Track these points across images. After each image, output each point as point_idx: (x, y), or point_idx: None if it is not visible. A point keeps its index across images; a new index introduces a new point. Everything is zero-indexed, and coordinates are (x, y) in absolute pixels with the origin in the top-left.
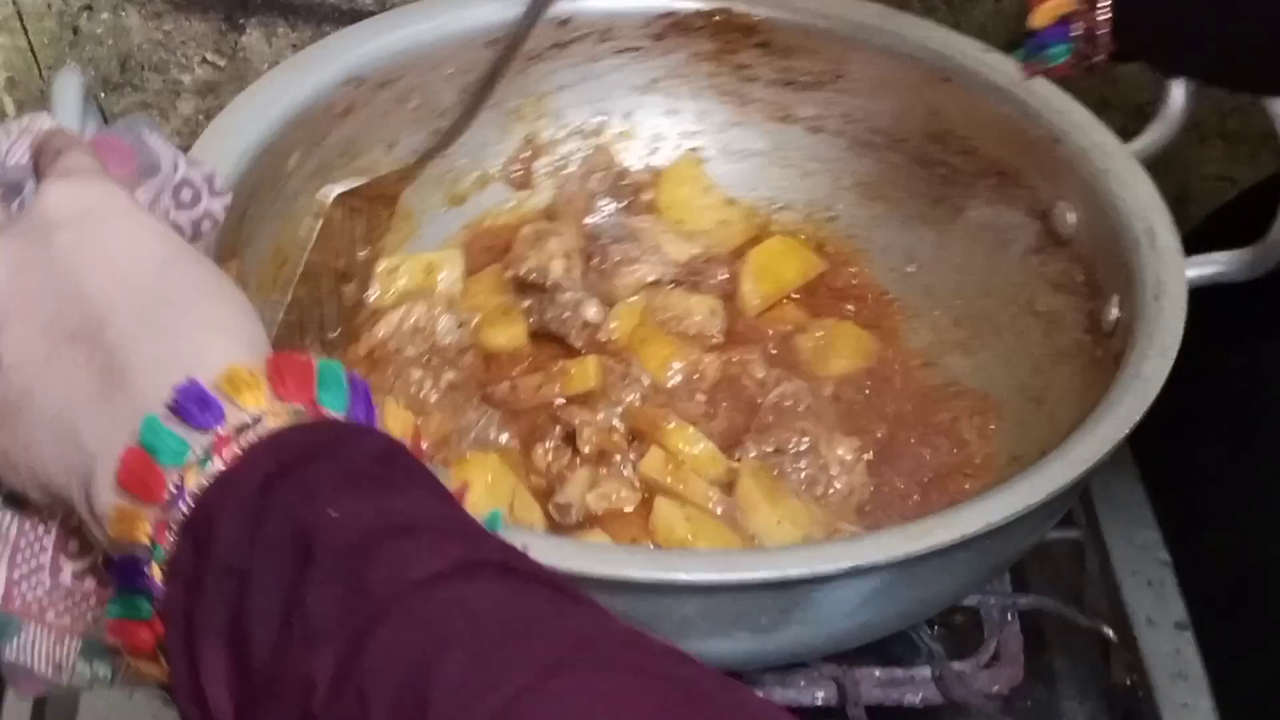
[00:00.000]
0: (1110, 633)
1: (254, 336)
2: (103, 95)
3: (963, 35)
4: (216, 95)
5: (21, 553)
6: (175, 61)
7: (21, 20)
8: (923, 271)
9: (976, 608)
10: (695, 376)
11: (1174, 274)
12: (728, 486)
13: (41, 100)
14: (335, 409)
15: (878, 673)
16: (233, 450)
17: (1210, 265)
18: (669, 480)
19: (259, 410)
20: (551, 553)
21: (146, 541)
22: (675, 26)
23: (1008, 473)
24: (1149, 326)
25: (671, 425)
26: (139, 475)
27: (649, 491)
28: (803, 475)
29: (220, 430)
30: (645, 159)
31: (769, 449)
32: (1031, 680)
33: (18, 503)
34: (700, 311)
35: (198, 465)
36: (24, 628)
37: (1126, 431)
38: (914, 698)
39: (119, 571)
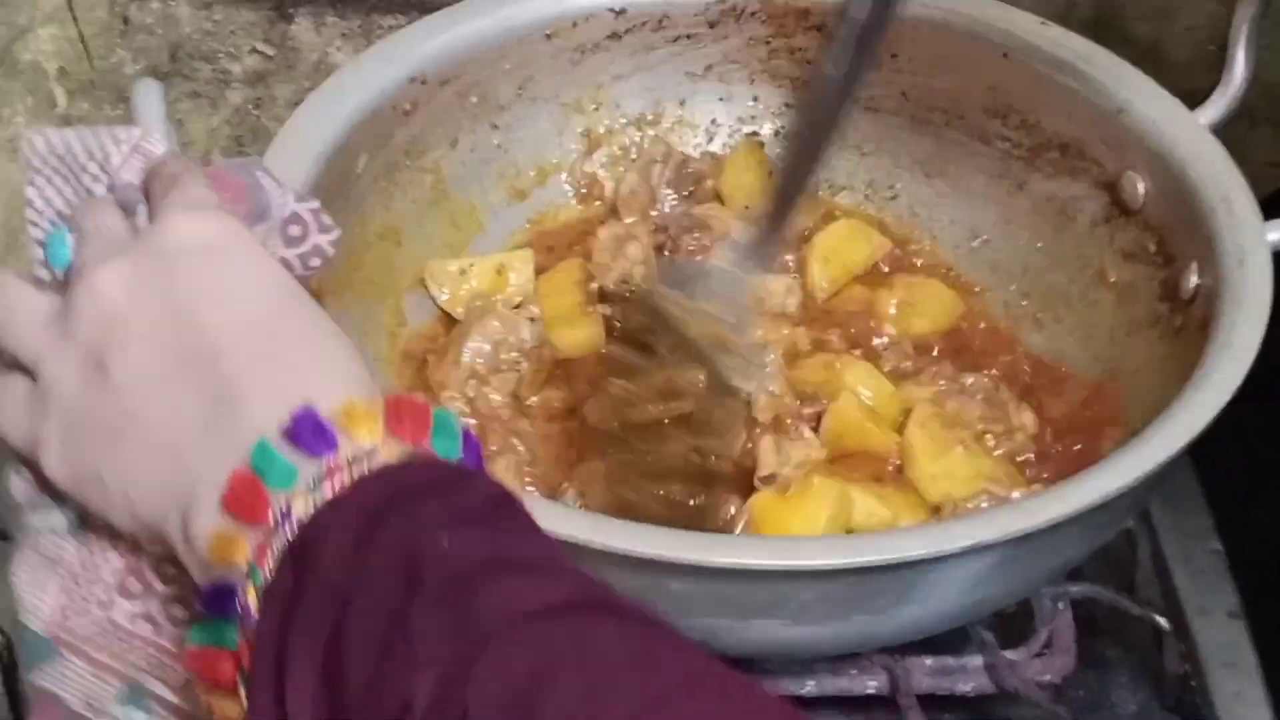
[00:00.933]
0: (1163, 621)
1: (366, 381)
2: None
3: (1020, 10)
4: (266, 85)
5: (78, 579)
6: (224, 51)
7: (72, 9)
8: (987, 247)
9: (1028, 596)
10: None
11: (1255, 239)
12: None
13: (91, 89)
14: (447, 456)
15: (929, 661)
16: (343, 479)
17: None
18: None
19: (373, 444)
20: (670, 544)
21: (244, 564)
22: (729, 12)
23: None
24: (1235, 293)
25: (842, 364)
26: (245, 497)
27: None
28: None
29: (332, 460)
30: (702, 146)
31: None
32: (1083, 669)
33: (84, 532)
34: (778, 291)
35: (306, 491)
36: (64, 655)
37: (1227, 399)
38: (965, 686)
39: (209, 597)
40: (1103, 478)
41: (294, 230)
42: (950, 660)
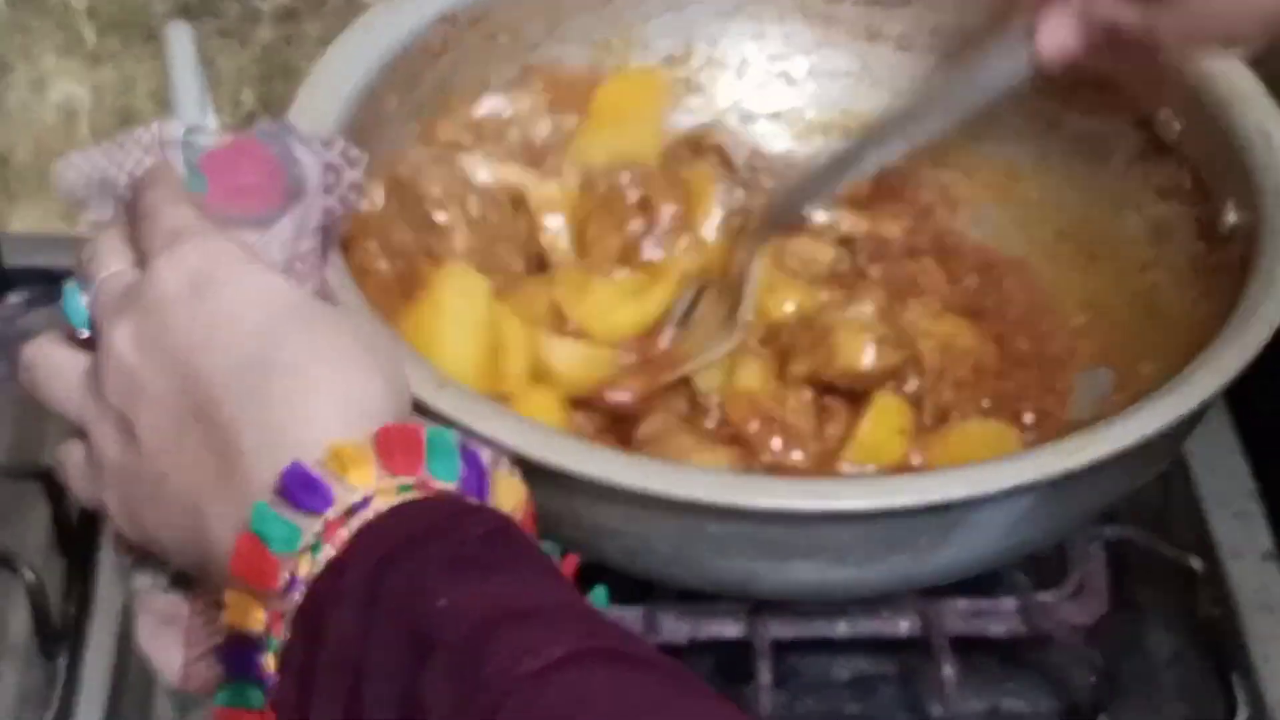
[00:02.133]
0: (1196, 564)
1: (368, 396)
2: None
3: None
4: (296, 22)
5: (195, 634)
6: None
7: None
8: (1022, 185)
9: (1063, 539)
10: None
11: None
12: None
13: (120, 27)
14: (447, 479)
15: (962, 604)
16: (342, 536)
17: None
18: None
19: (368, 488)
20: (710, 487)
21: (260, 630)
22: None
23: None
24: (1275, 229)
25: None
26: (253, 563)
27: None
28: None
29: (330, 514)
30: (732, 84)
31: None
32: (1117, 612)
33: (188, 583)
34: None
35: (310, 552)
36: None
37: (1268, 335)
38: (998, 629)
39: (229, 659)
40: (1144, 417)
41: (330, 178)
42: (983, 602)
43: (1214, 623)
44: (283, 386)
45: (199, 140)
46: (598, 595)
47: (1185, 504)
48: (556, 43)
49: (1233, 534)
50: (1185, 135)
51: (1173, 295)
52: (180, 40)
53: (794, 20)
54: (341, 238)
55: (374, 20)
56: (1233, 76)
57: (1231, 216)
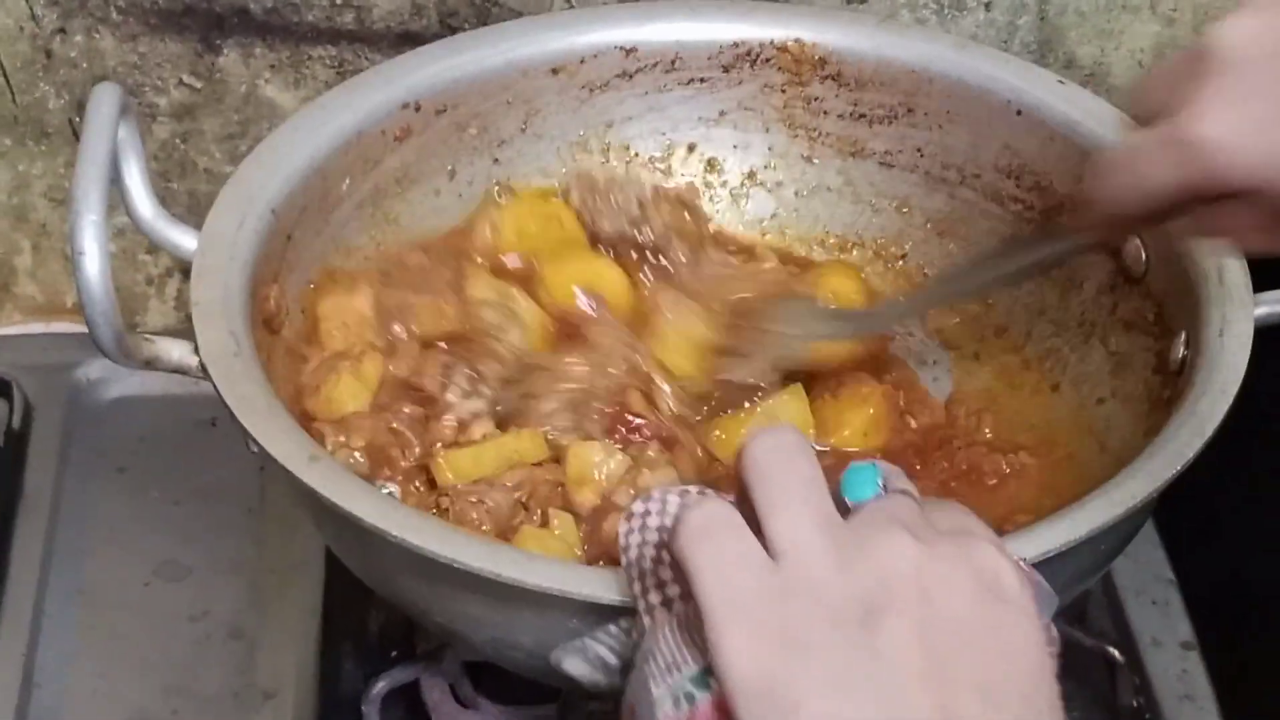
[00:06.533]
0: (1116, 653)
1: None
2: (77, 119)
3: (1038, 67)
4: (194, 118)
5: None
6: (150, 84)
7: None
8: (994, 311)
9: None
10: None
11: (1240, 310)
12: None
13: (14, 125)
14: None
15: None
16: None
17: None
18: None
19: None
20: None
21: None
22: (744, 57)
23: None
24: (1210, 363)
25: None
26: None
27: None
28: None
29: None
30: (711, 192)
31: None
32: None
33: None
34: None
35: None
36: None
37: (1178, 469)
38: None
39: None
40: (1039, 537)
41: None
42: None
43: (1134, 713)
44: None
45: None
46: None
47: (1103, 593)
48: (530, 140)
49: (1151, 624)
50: (1151, 265)
51: (1124, 431)
52: (102, 100)
53: (778, 131)
54: None
55: (330, 100)
56: None
57: (1181, 350)
